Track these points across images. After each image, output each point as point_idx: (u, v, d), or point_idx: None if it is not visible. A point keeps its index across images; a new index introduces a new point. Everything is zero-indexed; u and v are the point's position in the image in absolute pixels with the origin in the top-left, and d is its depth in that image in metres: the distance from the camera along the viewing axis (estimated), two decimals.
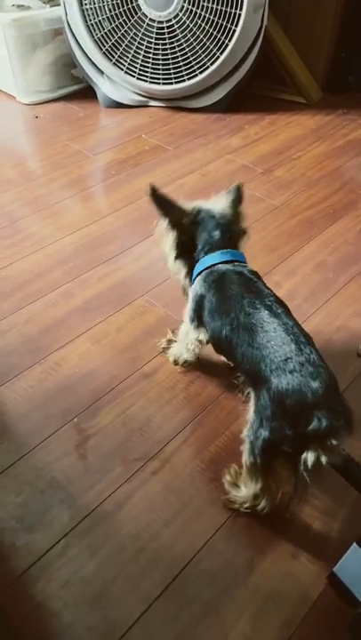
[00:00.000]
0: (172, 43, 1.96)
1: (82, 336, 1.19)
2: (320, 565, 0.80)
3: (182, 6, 1.88)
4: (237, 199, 0.98)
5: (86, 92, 2.24)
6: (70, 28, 2.04)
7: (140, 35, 1.98)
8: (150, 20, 1.94)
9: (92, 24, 1.99)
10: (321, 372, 0.72)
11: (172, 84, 2.04)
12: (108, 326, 1.21)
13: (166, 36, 1.95)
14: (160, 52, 1.98)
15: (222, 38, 1.91)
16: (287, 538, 0.84)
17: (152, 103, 2.17)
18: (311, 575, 0.79)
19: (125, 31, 1.99)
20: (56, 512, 0.88)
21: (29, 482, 0.92)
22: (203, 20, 1.90)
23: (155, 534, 0.85)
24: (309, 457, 0.70)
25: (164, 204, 0.92)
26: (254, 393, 0.78)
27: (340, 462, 0.75)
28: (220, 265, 0.90)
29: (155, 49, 1.98)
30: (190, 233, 0.94)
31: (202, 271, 0.92)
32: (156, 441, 0.98)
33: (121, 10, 1.95)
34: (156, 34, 1.96)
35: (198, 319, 0.93)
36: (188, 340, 0.99)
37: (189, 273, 0.97)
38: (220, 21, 1.88)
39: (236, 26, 1.87)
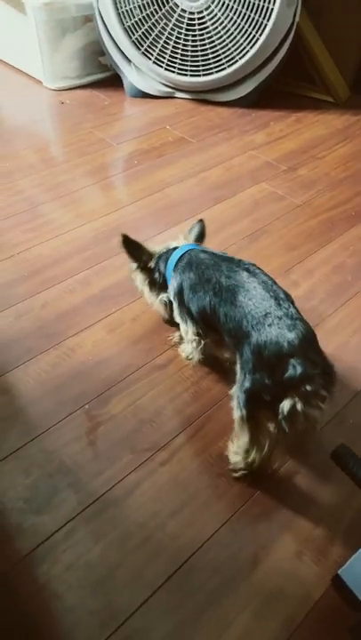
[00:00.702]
0: (203, 34, 1.94)
1: (97, 324, 1.19)
2: (324, 566, 0.80)
3: None
4: (201, 236, 1.08)
5: (113, 81, 2.23)
6: (101, 15, 2.04)
7: (170, 25, 1.97)
8: (182, 10, 1.93)
9: (122, 12, 1.98)
10: (297, 325, 0.77)
11: (199, 76, 2.03)
12: (123, 315, 1.22)
13: (197, 27, 1.94)
14: (190, 43, 1.97)
15: (253, 32, 1.89)
16: (293, 536, 0.85)
17: (178, 95, 2.16)
18: (315, 576, 0.80)
19: (156, 20, 1.98)
20: (64, 496, 0.89)
21: (39, 464, 0.93)
22: (234, 13, 1.88)
23: (161, 524, 0.85)
24: (286, 404, 0.75)
25: (134, 249, 1.05)
26: (238, 352, 0.83)
27: (346, 459, 0.75)
28: (182, 255, 0.98)
29: (184, 40, 1.97)
30: (157, 269, 1.05)
31: (173, 268, 0.99)
32: (165, 432, 0.98)
33: None
34: (187, 25, 1.95)
35: (188, 314, 0.97)
36: (190, 338, 1.00)
37: (162, 300, 1.08)
38: (252, 15, 1.86)
39: (268, 20, 1.85)
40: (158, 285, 1.07)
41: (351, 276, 1.34)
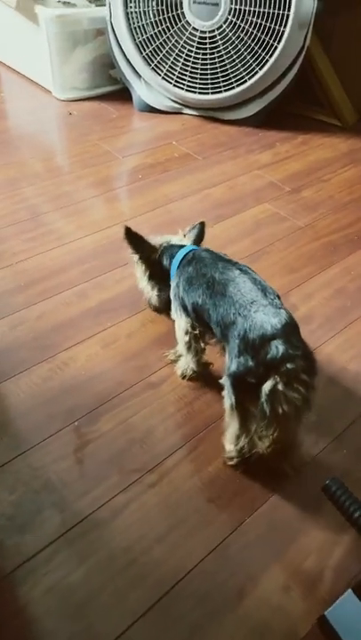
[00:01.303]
0: (213, 53, 1.96)
1: (92, 338, 1.18)
2: (311, 603, 0.78)
3: (227, 18, 1.89)
4: (200, 236, 1.13)
5: (122, 94, 2.25)
6: (113, 30, 2.06)
7: (181, 42, 1.98)
8: (193, 28, 1.95)
9: (134, 27, 2.00)
10: (281, 313, 0.82)
11: (208, 93, 2.04)
12: (118, 331, 1.21)
13: (207, 46, 1.95)
14: (200, 61, 1.98)
15: (263, 54, 1.91)
16: (281, 568, 0.82)
17: (186, 111, 2.17)
18: (301, 612, 0.77)
19: (167, 37, 2.00)
20: (48, 514, 0.86)
21: (25, 481, 0.91)
22: (245, 34, 1.90)
23: (146, 548, 0.83)
24: (267, 384, 0.78)
25: (136, 241, 1.09)
26: (226, 341, 0.88)
27: (337, 494, 0.74)
28: (186, 254, 1.02)
29: (195, 58, 1.99)
30: (159, 262, 1.08)
31: (178, 265, 1.03)
32: (155, 454, 0.96)
33: (165, 16, 1.95)
34: (198, 43, 1.96)
35: (182, 307, 0.99)
36: (183, 334, 1.02)
37: (160, 291, 1.13)
38: (263, 37, 1.88)
39: (279, 43, 1.87)
40: (159, 277, 1.10)
41: (351, 301, 1.33)
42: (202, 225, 1.14)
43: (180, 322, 1.02)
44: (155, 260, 1.09)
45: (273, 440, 0.84)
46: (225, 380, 0.87)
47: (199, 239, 1.12)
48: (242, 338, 0.82)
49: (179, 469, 0.94)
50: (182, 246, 1.07)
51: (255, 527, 0.87)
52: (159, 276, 1.10)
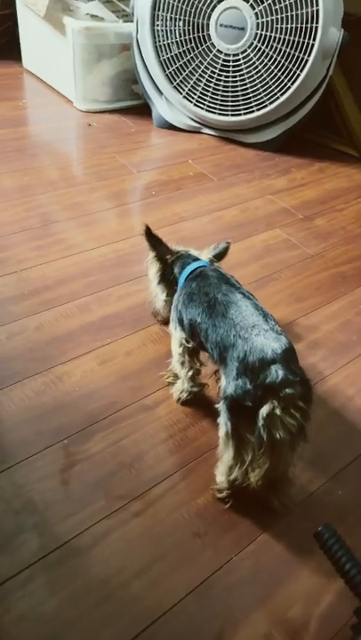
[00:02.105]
0: (236, 76, 1.97)
1: (89, 354, 1.16)
2: None
3: (252, 43, 1.89)
4: (220, 255, 1.12)
5: (142, 109, 2.26)
6: (138, 46, 2.07)
7: (205, 63, 1.99)
8: (218, 51, 1.96)
9: (160, 45, 2.02)
10: (282, 338, 0.82)
11: (228, 115, 2.05)
12: (117, 348, 1.18)
13: (231, 68, 1.96)
14: (222, 83, 1.99)
15: (285, 80, 1.91)
16: (264, 614, 0.79)
17: (204, 130, 2.17)
18: None
19: (192, 57, 2.01)
20: (27, 537, 0.83)
21: (6, 499, 0.88)
22: (269, 60, 1.90)
23: (125, 582, 0.80)
24: (265, 409, 0.77)
25: (154, 240, 1.08)
26: (223, 364, 0.86)
27: (329, 542, 0.70)
28: (196, 268, 1.02)
29: (217, 79, 1.99)
30: (172, 267, 1.08)
31: (185, 279, 1.02)
32: (143, 480, 0.93)
33: (191, 36, 1.97)
34: (222, 65, 1.97)
35: (180, 322, 0.99)
36: (177, 347, 1.01)
37: (168, 296, 1.11)
38: (287, 64, 1.88)
39: (302, 71, 1.87)
40: (168, 282, 1.09)
41: (357, 335, 1.30)
42: (227, 245, 1.14)
43: (176, 334, 1.02)
44: (167, 263, 1.08)
45: (266, 470, 0.81)
46: (221, 405, 0.85)
47: (218, 258, 1.11)
48: (241, 360, 0.81)
49: (166, 499, 0.91)
50: (195, 260, 1.07)
51: (241, 568, 0.84)
52: (168, 280, 1.09)
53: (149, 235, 1.08)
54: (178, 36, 1.99)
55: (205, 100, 2.04)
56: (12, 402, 1.03)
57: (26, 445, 0.96)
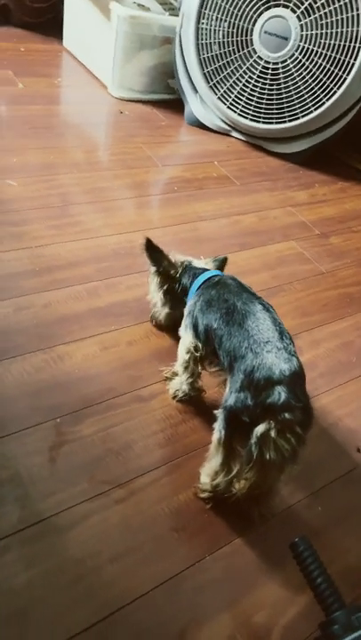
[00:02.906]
0: (272, 84, 1.97)
1: (93, 338, 1.16)
2: None
3: (293, 54, 1.90)
4: (219, 267, 1.13)
5: (175, 104, 2.26)
6: (181, 41, 2.08)
7: (243, 67, 2.00)
8: (258, 57, 1.96)
9: (202, 43, 2.02)
10: (293, 360, 0.81)
11: (259, 122, 2.05)
12: (120, 336, 1.19)
13: (268, 76, 1.97)
14: (258, 89, 1.99)
15: (321, 95, 1.91)
16: (230, 617, 0.80)
17: (234, 134, 2.18)
18: None
19: (231, 60, 2.01)
20: (8, 509, 0.84)
21: None
22: (308, 73, 1.91)
23: (98, 567, 0.81)
24: (261, 427, 0.76)
25: (156, 253, 1.09)
26: (230, 372, 0.86)
27: (303, 554, 0.71)
28: (212, 276, 1.03)
29: (253, 85, 2.00)
30: (180, 279, 1.09)
31: (199, 286, 1.03)
32: (129, 469, 0.94)
33: (233, 39, 1.97)
34: (260, 72, 1.98)
35: (193, 328, 0.98)
36: (185, 352, 1.01)
37: (171, 308, 1.14)
38: (325, 80, 1.89)
39: (339, 88, 1.87)
40: (174, 294, 1.10)
41: (357, 357, 1.31)
42: (225, 259, 1.16)
43: (186, 339, 1.01)
44: (173, 277, 1.09)
45: (251, 484, 0.82)
46: (219, 412, 0.85)
47: (219, 270, 1.13)
48: (247, 374, 0.80)
49: (149, 491, 0.92)
50: (206, 269, 1.07)
51: (213, 568, 0.85)
52: (174, 292, 1.10)
53: (150, 247, 1.08)
54: (221, 37, 1.99)
55: (239, 103, 2.05)
56: (11, 374, 1.04)
57: (18, 419, 0.97)
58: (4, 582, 0.76)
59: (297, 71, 1.92)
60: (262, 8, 1.89)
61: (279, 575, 0.86)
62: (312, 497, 0.98)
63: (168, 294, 1.12)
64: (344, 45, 1.82)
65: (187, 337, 1.01)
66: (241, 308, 0.90)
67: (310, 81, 1.91)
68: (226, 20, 1.95)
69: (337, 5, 1.77)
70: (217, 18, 1.96)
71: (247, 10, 1.90)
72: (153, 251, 1.09)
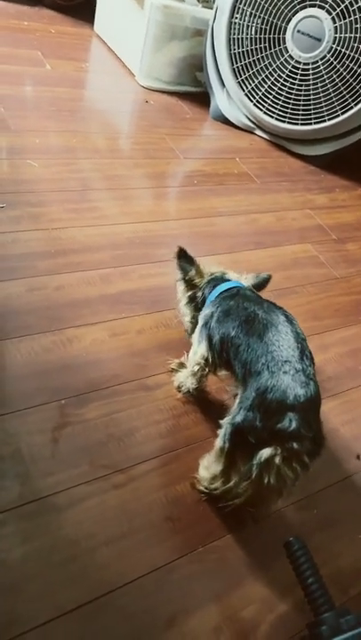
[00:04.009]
0: (301, 85, 1.96)
1: (103, 324, 1.17)
2: None
3: (325, 56, 1.88)
4: (260, 286, 1.06)
5: (201, 97, 2.25)
6: (212, 35, 2.06)
7: (273, 66, 1.98)
8: (289, 56, 1.94)
9: (233, 38, 2.01)
10: (310, 385, 0.77)
11: (284, 122, 2.04)
12: (130, 324, 1.20)
13: (298, 76, 1.95)
14: (286, 88, 1.98)
15: (349, 100, 1.90)
16: (218, 609, 0.80)
17: (258, 132, 2.17)
18: None
19: (262, 57, 2.00)
20: (8, 484, 0.85)
21: None
22: (338, 76, 1.89)
23: (92, 548, 0.81)
24: (266, 452, 0.74)
25: (187, 262, 1.05)
26: (243, 385, 0.82)
27: (297, 554, 0.72)
28: (230, 288, 0.99)
29: (282, 84, 1.98)
30: (202, 290, 1.04)
31: (217, 296, 0.99)
32: (129, 456, 0.95)
33: (266, 36, 1.96)
34: (290, 71, 1.96)
35: (208, 339, 0.94)
36: (195, 359, 0.98)
37: (193, 318, 1.07)
38: (355, 84, 1.87)
39: None
40: (196, 304, 1.06)
41: None
42: (268, 278, 1.08)
43: (199, 350, 0.97)
44: (197, 286, 1.05)
45: (246, 499, 0.81)
46: (226, 424, 0.82)
47: (257, 288, 1.06)
48: (260, 393, 0.76)
49: (147, 479, 0.92)
50: (227, 280, 1.03)
51: (205, 559, 0.85)
52: (195, 302, 1.06)
53: (183, 257, 1.04)
54: (253, 33, 1.98)
55: (266, 102, 2.04)
56: (20, 353, 1.05)
57: (24, 397, 0.98)
58: None
59: (327, 73, 1.90)
60: (298, 7, 1.87)
61: (270, 573, 0.86)
62: (309, 499, 0.99)
63: (191, 303, 1.07)
64: None
65: (200, 348, 0.96)
66: (262, 317, 0.85)
67: (340, 84, 1.90)
68: (260, 17, 1.94)
69: None
70: (251, 13, 1.95)
71: (282, 7, 1.89)
72: (184, 260, 1.05)
